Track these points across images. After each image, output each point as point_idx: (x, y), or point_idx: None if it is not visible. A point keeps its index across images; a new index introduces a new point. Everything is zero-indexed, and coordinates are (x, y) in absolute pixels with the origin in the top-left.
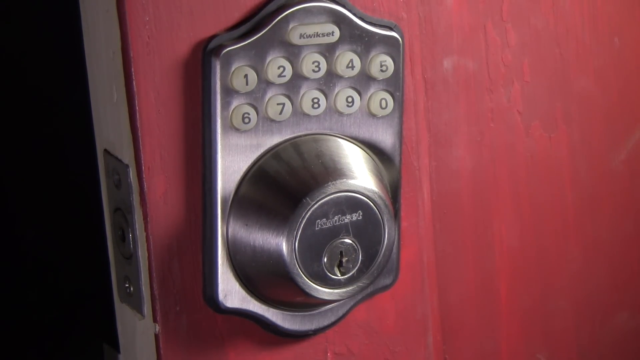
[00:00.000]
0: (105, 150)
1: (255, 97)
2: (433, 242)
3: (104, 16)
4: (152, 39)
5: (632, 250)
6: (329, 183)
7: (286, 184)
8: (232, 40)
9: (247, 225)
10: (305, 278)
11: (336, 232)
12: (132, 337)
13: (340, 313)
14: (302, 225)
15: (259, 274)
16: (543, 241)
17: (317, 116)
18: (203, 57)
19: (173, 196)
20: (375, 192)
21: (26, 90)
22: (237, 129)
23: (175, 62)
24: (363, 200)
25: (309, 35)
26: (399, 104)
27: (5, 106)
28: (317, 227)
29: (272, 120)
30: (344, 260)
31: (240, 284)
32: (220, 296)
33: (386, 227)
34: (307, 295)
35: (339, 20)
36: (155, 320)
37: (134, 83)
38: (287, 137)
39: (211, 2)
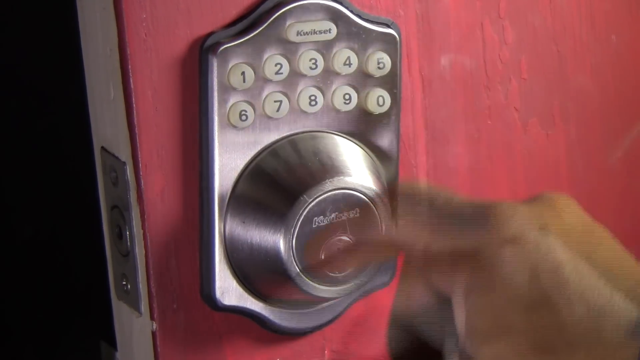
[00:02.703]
0: (103, 148)
1: (253, 95)
2: None
3: (101, 13)
4: (149, 36)
5: (630, 247)
6: (327, 180)
7: (283, 181)
8: (229, 38)
9: (244, 222)
10: (302, 276)
11: (333, 229)
12: (130, 335)
13: (338, 310)
14: (299, 222)
15: (256, 272)
16: None
17: (314, 113)
18: (200, 54)
19: (170, 193)
20: (373, 190)
21: (22, 88)
22: (234, 126)
23: (172, 59)
24: (360, 197)
25: (306, 32)
26: (396, 101)
27: (2, 103)
28: (315, 224)
29: (270, 118)
30: None
31: (237, 282)
32: (218, 294)
33: (383, 225)
34: (305, 292)
35: (336, 17)
36: (152, 318)
37: (131, 80)
38: (285, 134)
39: None
